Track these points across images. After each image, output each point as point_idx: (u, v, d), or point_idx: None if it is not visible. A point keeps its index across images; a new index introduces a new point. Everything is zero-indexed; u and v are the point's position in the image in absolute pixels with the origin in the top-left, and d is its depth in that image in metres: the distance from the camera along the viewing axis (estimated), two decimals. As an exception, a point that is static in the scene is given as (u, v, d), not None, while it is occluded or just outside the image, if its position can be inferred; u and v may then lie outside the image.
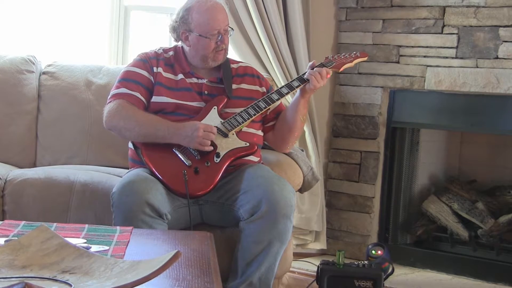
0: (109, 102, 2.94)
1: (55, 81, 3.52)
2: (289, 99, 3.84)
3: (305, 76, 2.96)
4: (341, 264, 3.14)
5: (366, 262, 3.25)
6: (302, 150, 3.36)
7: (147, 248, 1.98)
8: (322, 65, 3.00)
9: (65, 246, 1.55)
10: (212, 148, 2.82)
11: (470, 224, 3.87)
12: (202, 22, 2.94)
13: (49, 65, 3.59)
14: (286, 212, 2.74)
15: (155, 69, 2.98)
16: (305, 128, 3.92)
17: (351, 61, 3.11)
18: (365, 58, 3.19)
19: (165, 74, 2.98)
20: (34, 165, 3.41)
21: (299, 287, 3.59)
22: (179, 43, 3.06)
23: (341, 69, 3.09)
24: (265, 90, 3.09)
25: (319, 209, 4.01)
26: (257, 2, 3.86)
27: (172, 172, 2.78)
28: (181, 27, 2.98)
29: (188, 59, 3.02)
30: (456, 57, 3.75)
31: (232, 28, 3.04)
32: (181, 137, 2.82)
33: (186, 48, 3.01)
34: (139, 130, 2.85)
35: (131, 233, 2.05)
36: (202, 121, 2.87)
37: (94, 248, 1.80)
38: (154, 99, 2.93)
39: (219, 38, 2.95)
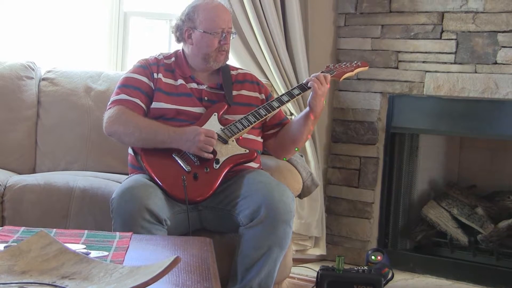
0: (109, 108, 2.95)
1: (54, 87, 3.52)
2: (289, 107, 3.85)
3: (308, 83, 2.97)
4: (340, 269, 3.14)
5: (365, 267, 3.25)
6: (302, 156, 3.36)
7: (146, 254, 1.98)
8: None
9: (64, 251, 1.55)
10: (212, 155, 2.82)
11: (470, 229, 3.87)
12: (208, 18, 2.96)
13: (48, 71, 3.60)
14: (285, 217, 2.74)
15: (155, 75, 2.99)
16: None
17: (352, 70, 3.12)
18: (366, 68, 3.19)
19: (165, 80, 2.98)
20: (33, 171, 3.41)
21: (299, 292, 3.59)
22: (180, 47, 3.07)
23: (342, 78, 3.10)
24: (264, 97, 3.10)
25: (319, 215, 4.01)
26: (256, 8, 3.86)
27: (171, 177, 2.78)
28: (185, 24, 3.00)
29: (189, 61, 3.03)
30: (455, 63, 3.75)
31: (234, 32, 3.06)
32: (182, 141, 2.82)
33: (188, 49, 3.02)
34: (139, 135, 2.86)
35: (130, 238, 2.05)
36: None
37: (94, 253, 1.80)
38: (154, 105, 2.94)
39: (223, 36, 2.96)
